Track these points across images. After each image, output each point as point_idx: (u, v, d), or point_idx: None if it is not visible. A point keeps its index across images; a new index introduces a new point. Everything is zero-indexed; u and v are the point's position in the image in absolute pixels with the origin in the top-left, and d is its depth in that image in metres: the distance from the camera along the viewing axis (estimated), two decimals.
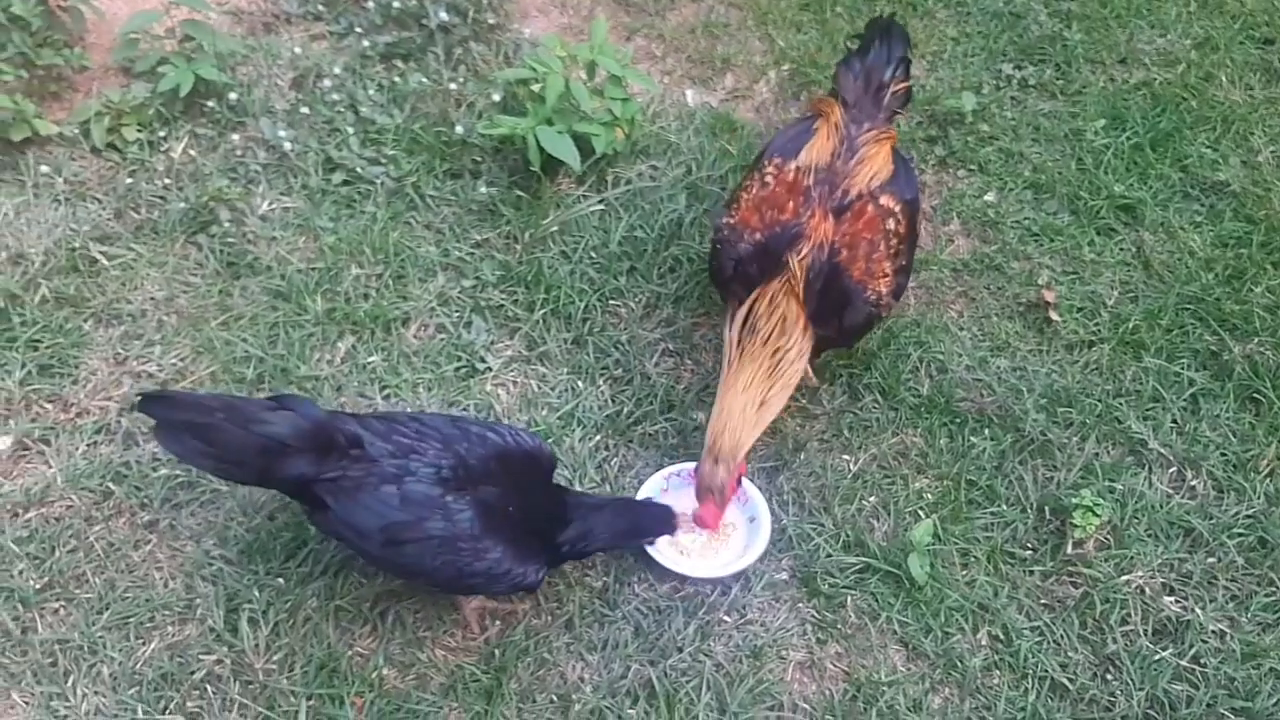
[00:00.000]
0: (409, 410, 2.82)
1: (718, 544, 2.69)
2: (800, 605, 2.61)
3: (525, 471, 2.42)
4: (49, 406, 2.84)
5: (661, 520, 2.56)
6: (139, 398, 2.38)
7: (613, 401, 2.90)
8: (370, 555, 2.40)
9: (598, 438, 2.83)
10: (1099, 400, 2.93)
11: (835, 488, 2.76)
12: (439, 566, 2.32)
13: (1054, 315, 3.08)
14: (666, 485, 2.75)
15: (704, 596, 2.59)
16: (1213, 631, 2.57)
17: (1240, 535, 2.71)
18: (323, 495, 2.29)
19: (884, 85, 2.88)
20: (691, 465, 2.74)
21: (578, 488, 2.74)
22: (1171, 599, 2.62)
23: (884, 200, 2.69)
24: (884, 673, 2.51)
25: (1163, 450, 2.84)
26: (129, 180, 3.26)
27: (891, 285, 2.69)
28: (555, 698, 2.45)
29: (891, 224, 2.69)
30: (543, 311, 3.04)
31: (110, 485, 2.70)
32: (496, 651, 2.50)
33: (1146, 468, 2.82)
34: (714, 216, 2.86)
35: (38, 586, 2.55)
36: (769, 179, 2.74)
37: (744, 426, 2.57)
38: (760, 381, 2.58)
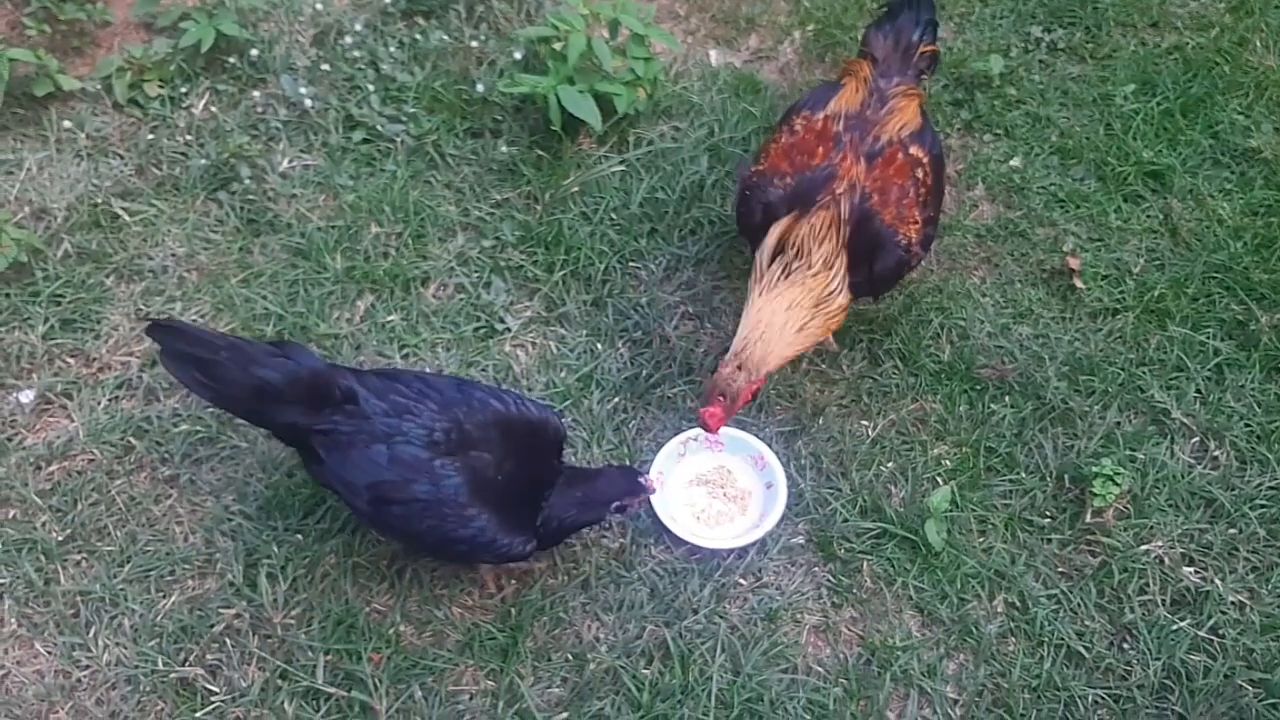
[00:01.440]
0: (423, 370, 2.82)
1: (734, 511, 2.69)
2: (816, 569, 2.61)
3: (527, 441, 2.40)
4: (71, 361, 2.86)
5: (624, 482, 2.43)
6: (148, 323, 2.41)
7: (632, 364, 2.89)
8: (360, 512, 2.40)
9: (616, 400, 2.83)
10: (1122, 369, 2.90)
11: (853, 453, 2.75)
12: (424, 530, 2.33)
13: (1078, 282, 3.05)
14: (684, 450, 2.74)
15: (720, 559, 2.59)
16: (1232, 603, 2.56)
17: (1263, 507, 2.68)
18: (316, 446, 2.31)
19: (912, 45, 2.86)
20: None
21: (595, 450, 2.74)
22: (1191, 569, 2.61)
23: (913, 150, 2.69)
24: (899, 638, 2.51)
25: (1186, 420, 2.81)
26: (150, 136, 3.27)
27: (921, 234, 2.67)
28: (570, 657, 2.47)
29: (920, 173, 2.68)
30: (562, 273, 3.03)
31: (131, 440, 2.72)
32: (513, 610, 2.51)
33: (1169, 437, 2.80)
34: (741, 167, 2.83)
35: (60, 539, 2.58)
36: (798, 128, 2.74)
37: (777, 343, 2.54)
38: (805, 309, 2.55)
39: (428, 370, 2.82)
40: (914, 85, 2.82)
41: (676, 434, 2.75)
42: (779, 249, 2.58)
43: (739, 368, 2.53)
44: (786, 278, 2.56)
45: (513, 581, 2.56)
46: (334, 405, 2.30)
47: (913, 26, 2.88)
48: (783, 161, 2.69)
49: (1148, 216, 3.23)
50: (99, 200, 3.12)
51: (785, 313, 2.54)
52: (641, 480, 2.44)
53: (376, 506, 2.32)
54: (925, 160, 2.71)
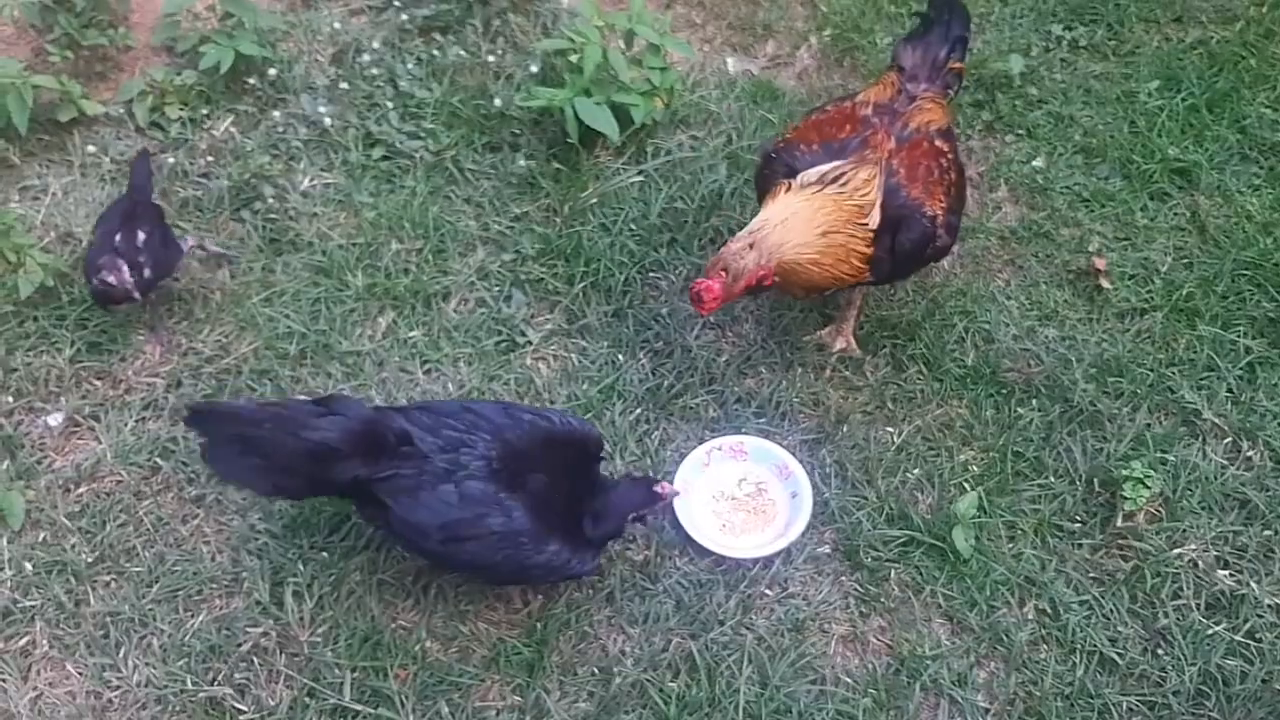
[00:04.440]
0: (453, 390, 2.83)
1: (761, 520, 2.68)
2: (843, 578, 2.58)
3: (574, 456, 2.40)
4: (98, 383, 2.88)
5: (639, 494, 2.44)
6: (187, 413, 2.35)
7: (653, 375, 2.88)
8: (427, 552, 2.39)
9: (638, 411, 2.82)
10: (1151, 369, 2.86)
11: (879, 460, 2.73)
12: (500, 561, 2.32)
13: (1105, 283, 3.01)
14: (709, 460, 2.73)
15: (745, 570, 2.58)
16: (1269, 606, 2.52)
17: None
18: (381, 495, 2.27)
19: (940, 60, 2.84)
20: (734, 439, 2.73)
21: (619, 461, 2.73)
22: (1225, 572, 2.56)
23: (939, 142, 2.69)
24: (928, 646, 2.48)
25: (1217, 420, 2.77)
26: (173, 159, 3.29)
27: (946, 215, 2.64)
28: (596, 670, 2.46)
29: (944, 163, 2.67)
30: (583, 284, 3.03)
31: (158, 460, 2.74)
32: (538, 625, 2.51)
33: (1200, 438, 2.75)
34: (764, 145, 2.84)
35: (89, 560, 2.60)
36: (828, 109, 2.77)
37: (798, 234, 2.47)
38: (835, 214, 2.49)
39: (458, 400, 2.80)
40: (941, 95, 2.80)
41: (700, 444, 2.73)
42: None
43: (751, 247, 2.43)
44: (820, 195, 2.52)
45: (538, 596, 2.56)
46: (390, 450, 2.27)
47: (942, 42, 2.85)
48: (811, 132, 2.70)
49: (1175, 214, 3.19)
50: None
51: (814, 211, 2.48)
52: (657, 490, 2.44)
53: (449, 545, 2.31)
54: (950, 155, 2.70)
